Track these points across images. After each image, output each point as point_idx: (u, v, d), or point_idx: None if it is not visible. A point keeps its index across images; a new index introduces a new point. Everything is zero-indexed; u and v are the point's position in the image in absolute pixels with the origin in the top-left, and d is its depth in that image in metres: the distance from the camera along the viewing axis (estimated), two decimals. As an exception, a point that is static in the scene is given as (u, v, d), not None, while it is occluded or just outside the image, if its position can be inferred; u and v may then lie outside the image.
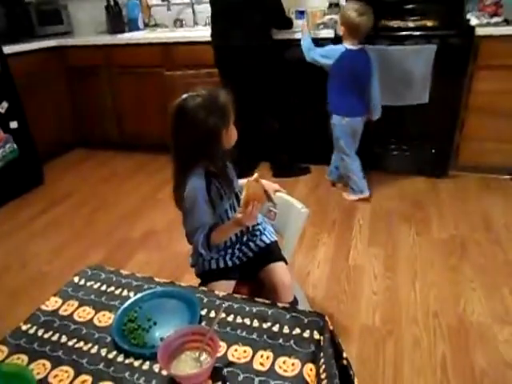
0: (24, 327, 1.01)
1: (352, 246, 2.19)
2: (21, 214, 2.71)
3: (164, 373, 0.86)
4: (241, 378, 0.84)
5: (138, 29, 3.52)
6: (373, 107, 2.47)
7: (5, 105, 2.76)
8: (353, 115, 2.47)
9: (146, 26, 3.62)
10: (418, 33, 2.50)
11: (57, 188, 3.07)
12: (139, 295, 1.07)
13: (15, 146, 2.86)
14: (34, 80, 3.17)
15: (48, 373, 0.88)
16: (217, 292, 1.09)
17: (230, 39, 2.59)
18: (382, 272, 1.98)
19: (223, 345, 0.91)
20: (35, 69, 3.19)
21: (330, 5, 2.89)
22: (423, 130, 2.71)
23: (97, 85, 3.42)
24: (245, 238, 1.34)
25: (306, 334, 0.93)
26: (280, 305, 1.03)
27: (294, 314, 0.99)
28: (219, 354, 0.87)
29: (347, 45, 2.34)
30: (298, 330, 0.94)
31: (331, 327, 1.00)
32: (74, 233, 2.49)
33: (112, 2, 3.48)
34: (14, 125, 2.83)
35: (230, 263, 1.34)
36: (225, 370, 0.86)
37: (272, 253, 1.37)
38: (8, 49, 2.84)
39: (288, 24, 2.69)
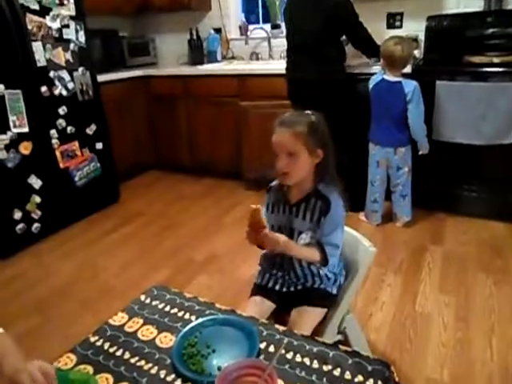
0: (92, 339, 1.06)
1: (420, 291, 2.05)
2: (95, 229, 2.91)
3: (219, 404, 0.85)
4: (297, 421, 0.80)
5: (216, 61, 3.72)
6: (417, 141, 2.47)
7: (93, 127, 3.02)
8: (382, 145, 2.54)
9: (224, 58, 3.81)
10: (503, 69, 2.37)
11: (130, 207, 3.26)
12: (200, 320, 1.08)
13: (98, 165, 3.10)
14: (119, 106, 3.45)
15: (110, 387, 0.91)
16: (277, 326, 1.07)
17: (303, 73, 2.64)
18: (452, 322, 1.83)
19: (281, 383, 0.88)
20: (122, 96, 3.48)
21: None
22: (505, 171, 2.52)
23: (174, 112, 3.63)
24: (293, 274, 1.34)
25: (370, 383, 0.87)
26: (342, 348, 0.99)
27: (356, 359, 0.94)
28: (276, 393, 0.85)
29: (385, 75, 2.43)
30: (360, 378, 0.89)
31: (397, 378, 0.93)
32: (141, 251, 2.61)
33: (195, 36, 3.73)
34: (99, 146, 3.09)
35: (264, 282, 1.38)
36: (281, 410, 0.83)
37: (313, 296, 1.32)
38: (101, 77, 3.13)
39: (379, 53, 2.57)
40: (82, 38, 2.86)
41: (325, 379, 0.89)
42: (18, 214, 2.59)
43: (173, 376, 0.93)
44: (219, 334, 1.04)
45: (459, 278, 2.12)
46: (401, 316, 1.89)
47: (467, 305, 1.93)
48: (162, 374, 0.94)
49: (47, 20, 2.62)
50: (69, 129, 2.84)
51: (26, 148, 2.60)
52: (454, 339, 1.73)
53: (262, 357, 0.96)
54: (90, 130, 3.00)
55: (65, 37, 2.74)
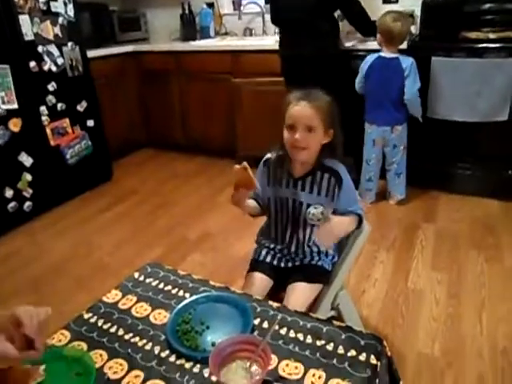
0: (86, 316, 1.06)
1: (412, 268, 2.07)
2: (89, 207, 2.89)
3: (213, 378, 0.85)
4: (291, 394, 0.81)
5: (209, 36, 3.63)
6: (413, 114, 2.46)
7: (84, 104, 2.96)
8: (379, 124, 2.51)
9: (217, 34, 3.72)
10: (499, 45, 2.34)
11: (123, 185, 3.23)
12: (194, 297, 1.08)
13: (90, 142, 3.06)
14: (110, 82, 3.38)
15: (104, 363, 0.91)
16: (271, 302, 1.07)
17: (297, 48, 2.58)
18: (444, 298, 1.85)
19: (274, 358, 0.89)
20: (113, 72, 3.40)
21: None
22: (500, 149, 2.52)
23: (167, 88, 3.56)
24: (293, 248, 1.35)
25: (362, 358, 0.88)
26: (336, 323, 0.99)
27: (349, 333, 0.95)
28: (270, 367, 0.85)
29: (382, 53, 2.40)
30: (353, 352, 0.89)
31: (389, 353, 0.95)
32: (134, 229, 2.60)
33: (187, 11, 3.63)
34: (90, 123, 3.03)
35: (262, 257, 1.38)
36: (275, 384, 0.84)
37: (310, 272, 1.32)
38: (91, 53, 3.05)
39: (374, 29, 2.50)
40: (70, 11, 2.76)
41: (318, 354, 0.90)
42: (9, 193, 2.56)
43: (167, 352, 0.93)
44: (213, 311, 1.04)
45: (451, 256, 2.14)
46: (393, 293, 1.91)
47: (459, 281, 1.95)
48: (157, 350, 0.94)
49: (34, -8, 2.53)
50: (59, 105, 2.78)
51: (15, 125, 2.54)
52: (446, 314, 1.76)
53: (255, 333, 0.97)
54: (81, 106, 2.94)
55: (53, 10, 2.65)
